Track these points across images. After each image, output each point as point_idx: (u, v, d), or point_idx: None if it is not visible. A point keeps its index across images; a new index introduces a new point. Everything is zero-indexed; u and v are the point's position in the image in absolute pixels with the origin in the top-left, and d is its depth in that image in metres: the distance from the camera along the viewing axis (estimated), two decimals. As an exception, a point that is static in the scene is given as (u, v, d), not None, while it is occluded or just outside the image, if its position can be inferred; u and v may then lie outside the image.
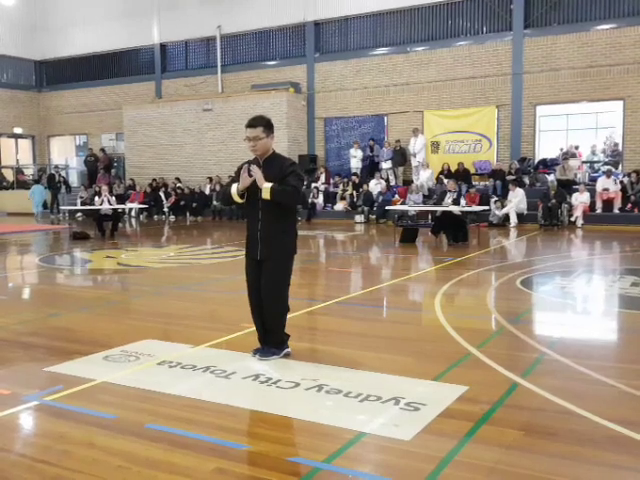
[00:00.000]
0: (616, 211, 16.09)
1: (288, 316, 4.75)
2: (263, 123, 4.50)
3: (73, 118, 27.04)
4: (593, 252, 12.29)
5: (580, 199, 16.05)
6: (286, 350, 4.71)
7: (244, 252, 4.77)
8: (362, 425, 3.43)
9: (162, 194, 21.80)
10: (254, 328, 4.81)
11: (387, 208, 16.75)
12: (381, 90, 20.46)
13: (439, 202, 12.97)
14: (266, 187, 4.39)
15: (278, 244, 4.57)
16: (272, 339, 4.67)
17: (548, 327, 6.06)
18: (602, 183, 16.42)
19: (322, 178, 20.62)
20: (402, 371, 4.35)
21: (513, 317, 6.13)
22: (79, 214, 20.61)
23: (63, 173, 24.84)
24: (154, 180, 22.65)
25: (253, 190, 4.54)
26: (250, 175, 4.47)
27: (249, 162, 4.61)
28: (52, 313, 6.64)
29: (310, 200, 19.26)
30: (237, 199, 4.61)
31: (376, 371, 4.36)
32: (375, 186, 18.91)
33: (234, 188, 4.59)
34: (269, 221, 4.54)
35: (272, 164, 4.52)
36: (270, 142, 4.55)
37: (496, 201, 16.65)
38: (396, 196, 18.61)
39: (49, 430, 3.51)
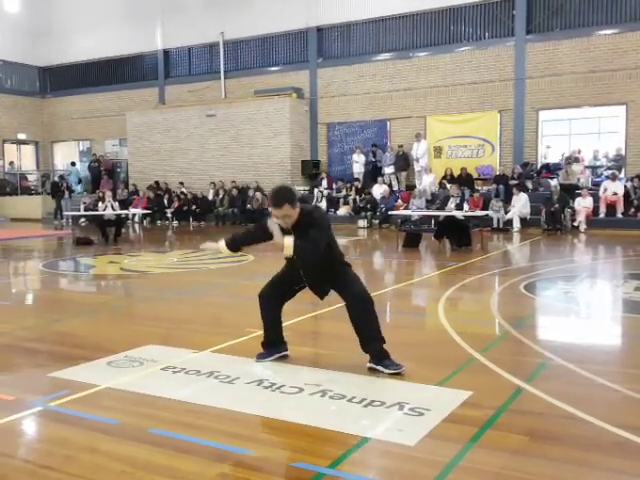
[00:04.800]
0: (619, 216, 16.07)
1: (292, 321, 4.74)
2: (287, 200, 4.28)
3: (77, 124, 27.08)
4: (596, 257, 12.27)
5: (583, 204, 16.02)
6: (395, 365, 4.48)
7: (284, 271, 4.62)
8: (366, 430, 3.42)
9: (165, 199, 21.82)
10: (258, 333, 4.80)
11: (390, 213, 16.75)
12: (384, 95, 20.47)
13: (442, 207, 12.97)
14: (288, 244, 4.21)
15: (333, 279, 4.50)
16: (374, 347, 4.50)
17: (552, 332, 6.04)
18: (607, 185, 16.38)
19: (324, 183, 20.63)
20: (406, 376, 4.34)
21: (517, 322, 6.12)
22: (82, 220, 20.64)
23: (71, 177, 24.77)
24: (156, 183, 22.67)
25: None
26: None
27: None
28: (56, 318, 6.64)
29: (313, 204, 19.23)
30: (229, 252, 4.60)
31: (380, 376, 4.36)
32: (378, 191, 18.91)
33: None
34: (313, 271, 4.47)
35: (301, 226, 4.33)
36: (297, 210, 4.32)
37: (497, 202, 16.57)
38: (399, 201, 18.60)
39: (52, 435, 3.51)
